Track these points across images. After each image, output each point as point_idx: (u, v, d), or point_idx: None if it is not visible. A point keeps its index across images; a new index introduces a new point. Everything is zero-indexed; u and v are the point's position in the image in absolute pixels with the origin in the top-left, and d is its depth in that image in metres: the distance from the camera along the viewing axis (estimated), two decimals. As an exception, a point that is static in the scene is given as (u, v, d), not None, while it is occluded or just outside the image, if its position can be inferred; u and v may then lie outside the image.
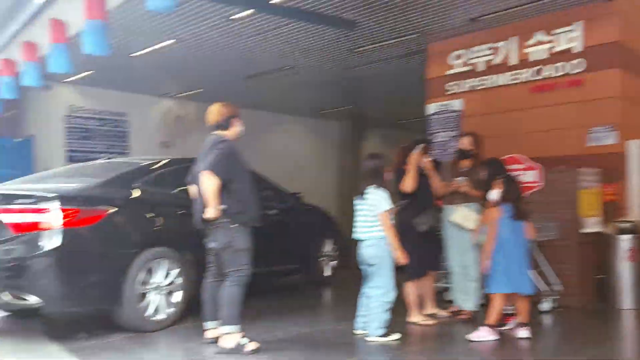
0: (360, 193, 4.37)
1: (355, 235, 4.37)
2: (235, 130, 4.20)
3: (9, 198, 4.33)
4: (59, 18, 5.81)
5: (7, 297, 4.17)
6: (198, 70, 9.40)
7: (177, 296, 4.80)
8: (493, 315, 4.37)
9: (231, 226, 4.00)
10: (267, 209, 5.43)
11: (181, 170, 5.06)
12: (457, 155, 5.24)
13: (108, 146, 10.90)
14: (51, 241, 4.08)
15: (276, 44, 7.78)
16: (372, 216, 4.29)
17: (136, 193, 4.79)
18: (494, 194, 4.44)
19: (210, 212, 3.92)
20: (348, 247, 7.34)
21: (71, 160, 10.13)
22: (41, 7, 5.94)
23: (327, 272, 7.01)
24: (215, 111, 4.14)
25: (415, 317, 4.87)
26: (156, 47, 7.91)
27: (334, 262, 7.09)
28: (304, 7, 6.28)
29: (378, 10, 6.39)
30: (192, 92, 11.19)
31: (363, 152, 15.52)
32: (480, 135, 5.26)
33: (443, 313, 5.17)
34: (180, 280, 4.80)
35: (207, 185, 3.90)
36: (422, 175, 4.93)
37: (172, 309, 4.74)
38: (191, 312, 4.80)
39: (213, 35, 7.45)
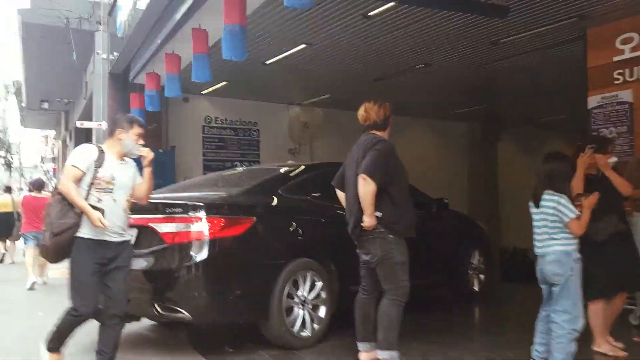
0: (536, 200, 3.73)
1: (535, 250, 3.72)
2: (389, 131, 3.80)
3: (160, 207, 4.28)
4: (201, 28, 5.86)
5: (157, 308, 4.09)
6: (327, 75, 9.23)
7: (322, 311, 4.49)
8: None
9: (388, 237, 3.58)
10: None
11: (319, 176, 4.80)
12: None
13: (241, 154, 11.18)
14: (201, 251, 3.94)
15: (412, 40, 7.31)
16: (553, 227, 3.62)
17: (280, 201, 4.57)
18: None
19: (368, 220, 3.53)
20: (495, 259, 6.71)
21: (208, 169, 10.49)
22: (183, 19, 6.05)
23: (476, 286, 6.35)
24: (372, 109, 3.75)
25: (602, 346, 4.08)
26: (288, 53, 7.83)
27: (483, 276, 6.42)
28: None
29: (533, -7, 5.71)
30: (319, 98, 11.08)
31: (497, 154, 14.51)
32: None
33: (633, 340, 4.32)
34: (324, 294, 4.50)
35: (364, 190, 3.50)
36: (600, 177, 4.17)
37: (317, 325, 4.44)
38: (335, 329, 4.47)
39: (346, 36, 7.17)
